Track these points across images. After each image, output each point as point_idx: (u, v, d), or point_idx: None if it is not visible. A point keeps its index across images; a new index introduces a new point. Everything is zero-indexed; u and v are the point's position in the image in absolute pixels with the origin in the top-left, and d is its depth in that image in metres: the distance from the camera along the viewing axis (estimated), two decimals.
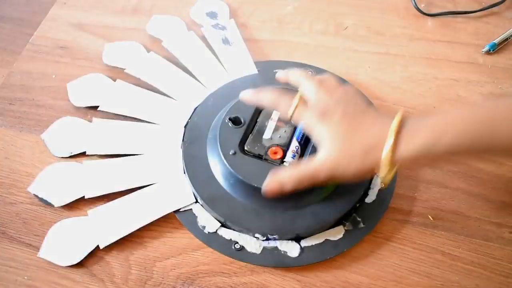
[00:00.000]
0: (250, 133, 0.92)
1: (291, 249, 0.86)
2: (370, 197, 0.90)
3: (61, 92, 1.04)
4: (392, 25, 1.16)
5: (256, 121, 0.93)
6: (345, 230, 0.87)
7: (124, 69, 1.05)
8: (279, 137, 0.91)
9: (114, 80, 1.04)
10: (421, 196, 0.92)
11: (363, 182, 0.90)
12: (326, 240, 0.86)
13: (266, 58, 1.09)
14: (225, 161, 0.88)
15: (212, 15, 1.15)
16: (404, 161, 0.76)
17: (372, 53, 1.11)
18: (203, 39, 1.11)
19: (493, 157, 0.94)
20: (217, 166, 0.90)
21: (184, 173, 0.92)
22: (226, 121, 0.91)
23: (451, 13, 1.17)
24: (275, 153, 0.89)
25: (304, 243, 0.86)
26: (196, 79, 1.04)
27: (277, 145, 0.90)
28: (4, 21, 1.19)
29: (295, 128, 0.91)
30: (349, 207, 0.88)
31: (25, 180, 0.93)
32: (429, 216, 0.90)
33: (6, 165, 0.95)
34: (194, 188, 0.89)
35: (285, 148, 0.89)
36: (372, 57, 1.10)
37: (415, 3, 1.17)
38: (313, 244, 0.86)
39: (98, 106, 1.00)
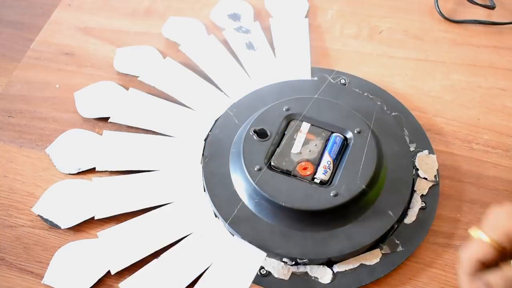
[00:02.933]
0: (277, 146, 0.91)
1: (323, 274, 0.85)
2: (410, 218, 0.90)
3: (66, 104, 1.04)
4: (431, 29, 1.16)
5: (284, 134, 0.93)
6: (382, 254, 0.87)
7: (137, 76, 1.06)
8: (309, 151, 0.91)
9: (127, 89, 1.04)
10: (465, 217, 0.92)
11: (401, 202, 0.90)
12: (361, 264, 0.86)
13: None
14: (249, 177, 0.88)
15: (235, 17, 1.15)
16: None
17: (410, 59, 1.11)
18: (225, 43, 1.11)
19: None
20: (241, 183, 0.89)
21: (204, 191, 0.92)
22: (251, 133, 0.91)
23: (476, 22, 1.16)
24: (305, 168, 0.89)
25: (337, 268, 0.86)
26: (217, 87, 1.05)
27: (307, 160, 0.90)
28: (3, 25, 1.19)
29: (326, 141, 0.91)
30: (387, 228, 0.87)
31: (26, 201, 0.93)
32: None
33: (5, 184, 0.95)
34: (215, 207, 0.89)
35: (316, 163, 0.90)
36: (410, 64, 1.10)
37: (438, 8, 1.17)
38: (347, 269, 0.86)
39: (108, 118, 1.00)
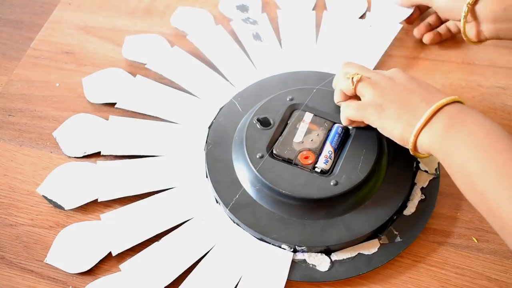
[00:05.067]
0: (280, 135, 0.94)
1: (320, 262, 0.87)
2: (409, 209, 0.92)
3: (65, 102, 1.06)
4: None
5: (287, 123, 0.95)
6: (380, 244, 0.89)
7: (145, 64, 1.08)
8: (311, 140, 0.93)
9: (134, 76, 1.07)
10: (464, 216, 0.93)
11: (401, 193, 0.92)
12: (359, 254, 0.88)
13: None
14: (251, 165, 0.90)
15: (243, 8, 1.18)
16: (422, 147, 0.83)
17: (409, 58, 1.13)
18: (232, 34, 1.14)
19: None
20: (243, 170, 0.92)
21: (207, 177, 0.94)
22: (254, 122, 0.94)
23: None
24: (306, 157, 0.91)
25: (335, 256, 0.88)
26: (223, 76, 1.07)
27: (309, 149, 0.92)
28: (3, 23, 1.20)
29: (328, 131, 0.94)
30: (386, 218, 0.89)
31: (26, 200, 0.95)
32: (473, 238, 0.91)
33: (5, 183, 0.97)
34: (217, 193, 0.92)
35: (318, 152, 0.92)
36: (410, 62, 1.12)
37: None
38: (345, 258, 0.88)
39: (115, 104, 1.03)
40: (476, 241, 0.90)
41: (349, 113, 0.90)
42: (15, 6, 1.23)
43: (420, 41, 1.13)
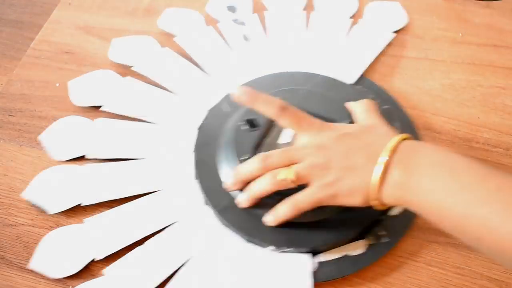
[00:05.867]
0: (267, 136, 0.94)
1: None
2: (395, 209, 0.91)
3: (65, 102, 1.06)
4: (431, 27, 1.18)
5: (274, 124, 0.95)
6: (367, 244, 0.89)
7: (132, 66, 1.08)
8: None
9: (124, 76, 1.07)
10: None
11: None
12: (346, 255, 0.88)
13: None
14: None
15: (232, 9, 1.18)
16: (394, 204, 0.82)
17: (409, 58, 1.13)
18: (222, 35, 1.14)
19: None
20: (230, 172, 0.91)
21: (196, 179, 0.94)
22: (242, 123, 0.94)
23: None
24: None
25: (321, 257, 0.87)
26: (211, 77, 1.07)
27: None
28: (3, 23, 1.21)
29: None
30: (372, 219, 0.89)
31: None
32: None
33: (5, 183, 0.96)
34: (206, 195, 0.92)
35: None
36: (409, 63, 1.12)
37: None
38: (331, 259, 0.87)
39: (102, 106, 1.03)
40: None
41: (300, 204, 0.85)
42: (15, 6, 1.24)
43: (420, 41, 1.14)
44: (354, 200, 0.82)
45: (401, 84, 1.08)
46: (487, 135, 1.01)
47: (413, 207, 0.78)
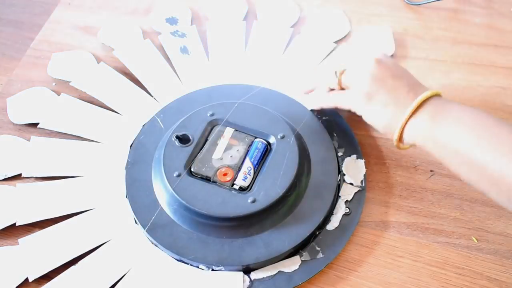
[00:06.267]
0: (199, 152, 0.92)
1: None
2: (333, 224, 0.91)
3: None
4: (431, 27, 1.18)
5: (207, 139, 0.94)
6: (302, 261, 0.88)
7: (70, 81, 1.08)
8: (231, 156, 0.92)
9: (59, 94, 1.06)
10: (464, 216, 0.93)
11: (323, 208, 0.90)
12: (280, 272, 0.87)
13: None
14: (168, 183, 0.89)
15: (172, 21, 1.17)
16: (410, 137, 0.86)
17: (410, 58, 1.13)
18: (160, 48, 1.13)
19: None
20: (161, 190, 0.91)
21: (126, 197, 0.93)
22: (173, 139, 0.93)
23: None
24: (225, 174, 0.90)
25: (254, 275, 0.87)
26: (148, 92, 1.06)
27: (228, 166, 0.91)
28: (3, 23, 1.21)
29: (249, 147, 0.93)
30: (306, 235, 0.88)
31: None
32: (473, 238, 0.90)
33: None
34: (134, 213, 0.90)
35: (237, 169, 0.91)
36: (410, 63, 1.12)
37: None
38: (264, 276, 0.86)
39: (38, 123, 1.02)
40: (476, 241, 0.90)
41: (336, 100, 0.94)
42: (15, 6, 1.25)
43: (420, 41, 1.15)
44: (380, 118, 0.88)
45: None
46: None
47: (430, 150, 0.84)
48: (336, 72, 0.91)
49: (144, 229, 0.89)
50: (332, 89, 0.95)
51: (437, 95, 0.85)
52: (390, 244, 0.90)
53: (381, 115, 0.87)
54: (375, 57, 0.89)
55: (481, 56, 1.12)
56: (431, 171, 0.97)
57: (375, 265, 0.88)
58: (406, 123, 0.84)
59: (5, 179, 0.97)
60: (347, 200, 0.93)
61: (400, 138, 0.86)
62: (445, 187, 0.94)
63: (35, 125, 1.02)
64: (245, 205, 0.87)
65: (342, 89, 0.92)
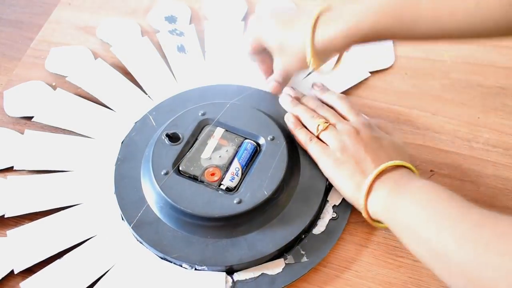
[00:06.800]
0: (188, 151, 0.93)
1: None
2: (319, 228, 0.91)
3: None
4: None
5: (197, 139, 0.94)
6: (286, 264, 0.87)
7: (66, 76, 1.08)
8: (220, 156, 0.92)
9: (55, 89, 1.07)
10: None
11: (310, 212, 0.90)
12: (263, 274, 0.87)
13: None
14: (155, 181, 0.89)
15: (171, 19, 1.17)
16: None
17: (409, 58, 1.13)
18: (158, 46, 1.14)
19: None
20: (148, 187, 0.91)
21: (115, 193, 0.93)
22: (163, 137, 0.93)
23: None
24: (213, 174, 0.91)
25: (237, 276, 0.87)
26: (142, 90, 1.07)
27: (216, 165, 0.91)
28: (3, 23, 1.22)
29: (239, 147, 0.93)
30: (291, 238, 0.88)
31: None
32: None
33: None
34: (121, 210, 0.91)
35: (225, 169, 0.91)
36: (409, 63, 1.12)
37: None
38: (247, 278, 0.86)
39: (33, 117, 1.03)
40: None
41: (310, 146, 0.93)
42: (15, 6, 1.25)
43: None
44: (346, 187, 0.87)
45: (401, 84, 1.08)
46: (487, 135, 1.01)
47: (389, 226, 0.82)
48: (318, 126, 0.92)
49: (130, 226, 0.89)
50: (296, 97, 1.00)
51: (402, 167, 0.85)
52: (390, 244, 0.90)
53: (346, 186, 0.87)
54: (356, 127, 0.91)
55: (481, 56, 1.11)
56: (431, 171, 0.97)
57: (375, 265, 0.88)
58: (367, 197, 0.84)
59: None
60: (335, 205, 0.92)
61: (368, 213, 0.85)
62: (445, 187, 0.93)
63: (30, 118, 1.03)
64: (230, 205, 0.87)
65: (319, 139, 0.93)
